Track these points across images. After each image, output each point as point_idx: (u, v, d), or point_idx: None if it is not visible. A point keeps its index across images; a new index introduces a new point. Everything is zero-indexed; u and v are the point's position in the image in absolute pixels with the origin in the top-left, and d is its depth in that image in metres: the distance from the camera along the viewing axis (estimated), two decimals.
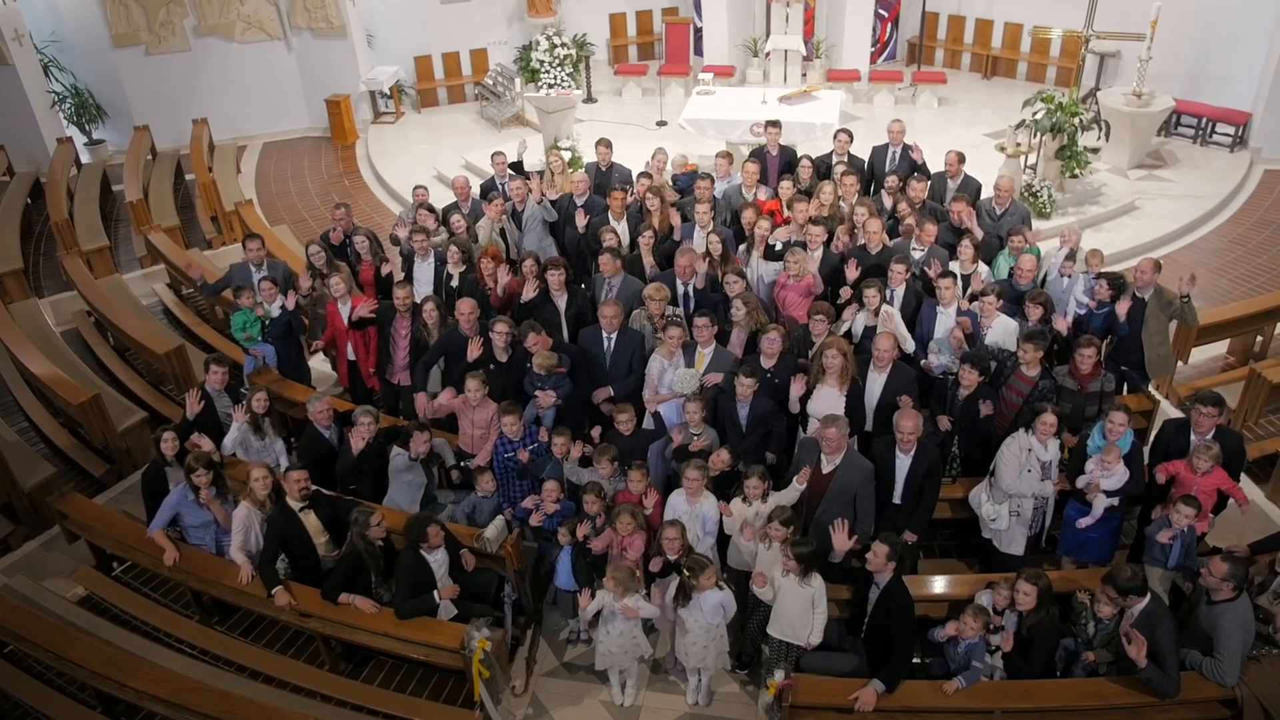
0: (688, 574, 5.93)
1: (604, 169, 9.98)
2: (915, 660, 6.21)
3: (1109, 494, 6.46)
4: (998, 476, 6.65)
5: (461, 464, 7.41)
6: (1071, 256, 8.14)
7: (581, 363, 7.54)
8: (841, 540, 6.11)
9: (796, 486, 6.36)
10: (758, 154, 10.15)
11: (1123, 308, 7.52)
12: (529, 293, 7.94)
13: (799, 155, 10.06)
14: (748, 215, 8.72)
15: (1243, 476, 6.86)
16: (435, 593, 6.28)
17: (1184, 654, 5.69)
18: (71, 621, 6.86)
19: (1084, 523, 6.56)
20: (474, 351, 7.40)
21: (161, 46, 15.44)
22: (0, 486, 8.02)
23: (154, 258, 11.96)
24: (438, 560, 6.40)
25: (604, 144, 10.11)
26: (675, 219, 9.02)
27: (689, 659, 6.22)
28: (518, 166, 9.89)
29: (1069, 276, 8.09)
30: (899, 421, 6.44)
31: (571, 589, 6.53)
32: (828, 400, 6.95)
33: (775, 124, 10.26)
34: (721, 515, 6.43)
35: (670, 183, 9.91)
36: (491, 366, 7.47)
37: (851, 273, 8.04)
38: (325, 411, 7.28)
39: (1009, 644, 5.73)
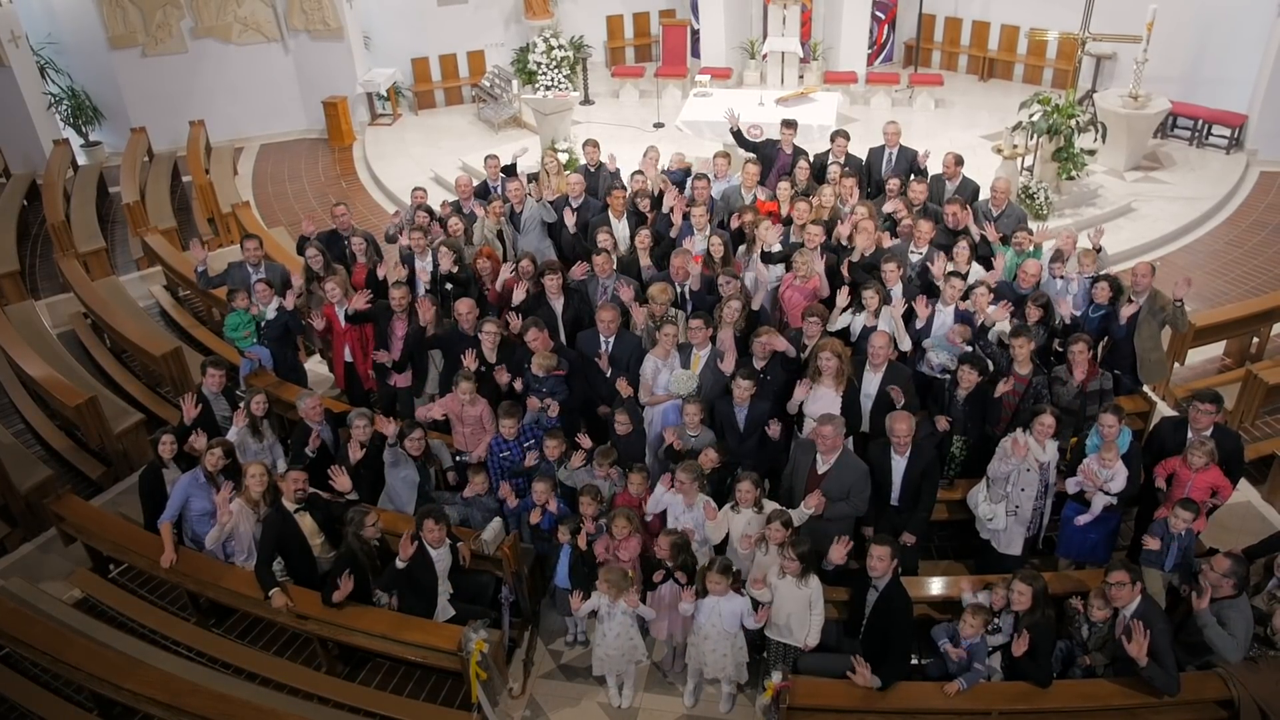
0: (709, 568, 5.94)
1: (593, 169, 9.99)
2: (914, 661, 6.21)
3: (1108, 493, 6.47)
4: (990, 464, 6.67)
5: (458, 457, 7.42)
6: (1059, 257, 8.17)
7: (579, 368, 7.54)
8: (839, 553, 6.11)
9: (805, 510, 6.36)
10: (766, 150, 10.15)
11: (1126, 312, 7.53)
12: (519, 295, 7.94)
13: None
14: (747, 217, 8.73)
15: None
16: (397, 560, 6.27)
17: (1205, 626, 5.68)
18: (68, 624, 6.84)
19: (1082, 520, 6.59)
20: (470, 363, 7.41)
21: (158, 48, 15.42)
22: None
23: (151, 260, 11.95)
24: (439, 556, 6.41)
25: (592, 144, 10.13)
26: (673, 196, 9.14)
27: (706, 667, 6.20)
28: (510, 169, 9.90)
29: (1062, 278, 8.12)
30: (893, 425, 6.45)
31: (570, 588, 6.53)
32: (824, 401, 6.96)
33: (791, 124, 10.27)
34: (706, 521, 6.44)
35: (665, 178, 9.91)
36: (482, 369, 7.49)
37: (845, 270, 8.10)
38: (316, 408, 7.28)
39: (1021, 649, 5.69)
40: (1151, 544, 6.20)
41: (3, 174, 14.80)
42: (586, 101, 16.44)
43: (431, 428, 7.45)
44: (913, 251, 8.39)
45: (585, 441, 6.94)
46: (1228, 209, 13.04)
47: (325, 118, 16.18)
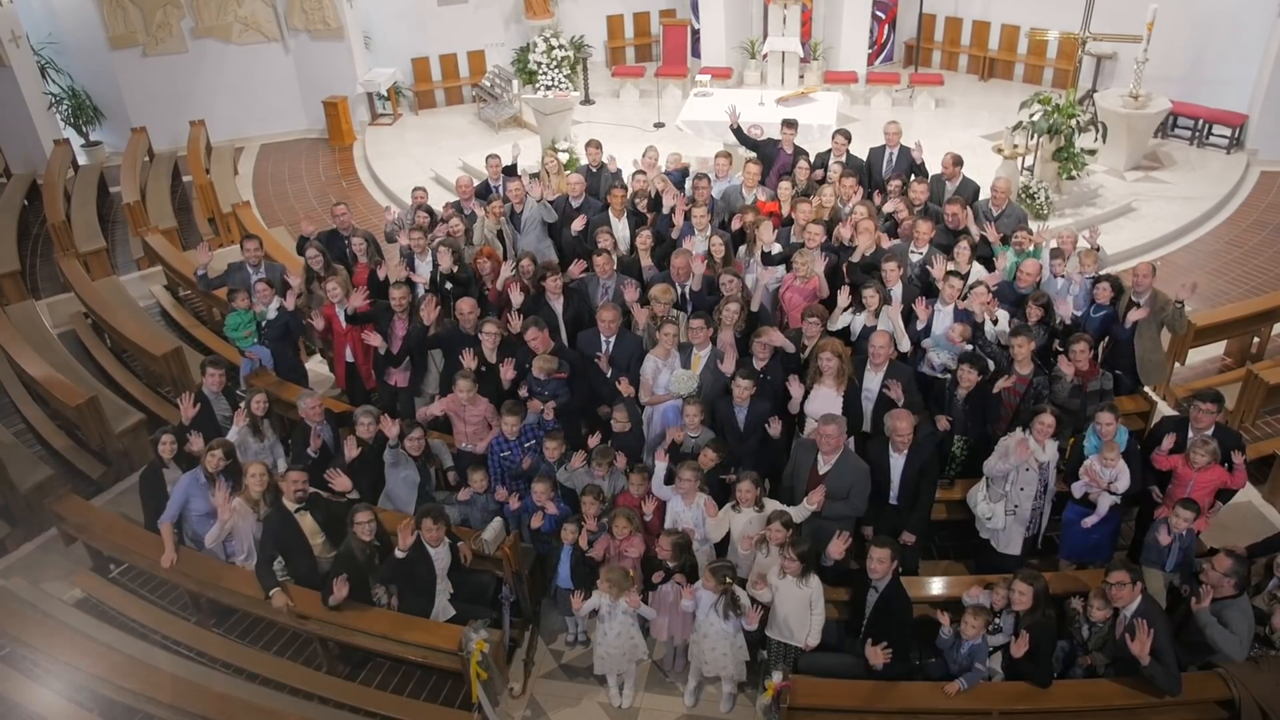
0: (729, 579, 5.93)
1: (594, 170, 9.99)
2: (915, 661, 6.21)
3: (1113, 493, 6.48)
4: (987, 461, 6.68)
5: (463, 446, 7.42)
6: (1059, 255, 8.17)
7: (580, 369, 7.54)
8: (838, 547, 6.12)
9: (806, 507, 6.36)
10: (767, 149, 10.15)
11: (1134, 315, 7.54)
12: (518, 298, 7.94)
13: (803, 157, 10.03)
14: (748, 217, 8.73)
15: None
16: (396, 550, 6.30)
17: (1206, 626, 5.69)
18: (69, 624, 6.84)
19: (1089, 521, 6.58)
20: (469, 362, 7.42)
21: (159, 48, 15.42)
22: None
23: (151, 259, 11.95)
24: (438, 555, 6.43)
25: (594, 145, 10.12)
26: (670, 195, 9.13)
27: (706, 665, 6.21)
28: (511, 170, 9.91)
29: (1062, 277, 8.13)
30: (893, 423, 6.46)
31: (571, 588, 6.53)
32: (825, 401, 6.96)
33: (791, 124, 10.27)
34: (706, 520, 6.45)
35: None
36: (483, 368, 7.49)
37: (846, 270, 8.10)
38: (317, 407, 7.27)
39: (1020, 649, 5.70)
40: (1164, 539, 6.17)
41: (3, 174, 14.80)
42: (587, 101, 16.43)
43: (431, 427, 7.45)
44: (913, 251, 8.39)
45: (593, 440, 6.92)
46: (1228, 209, 13.03)
47: (325, 117, 16.16)
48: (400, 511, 7.09)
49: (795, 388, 6.99)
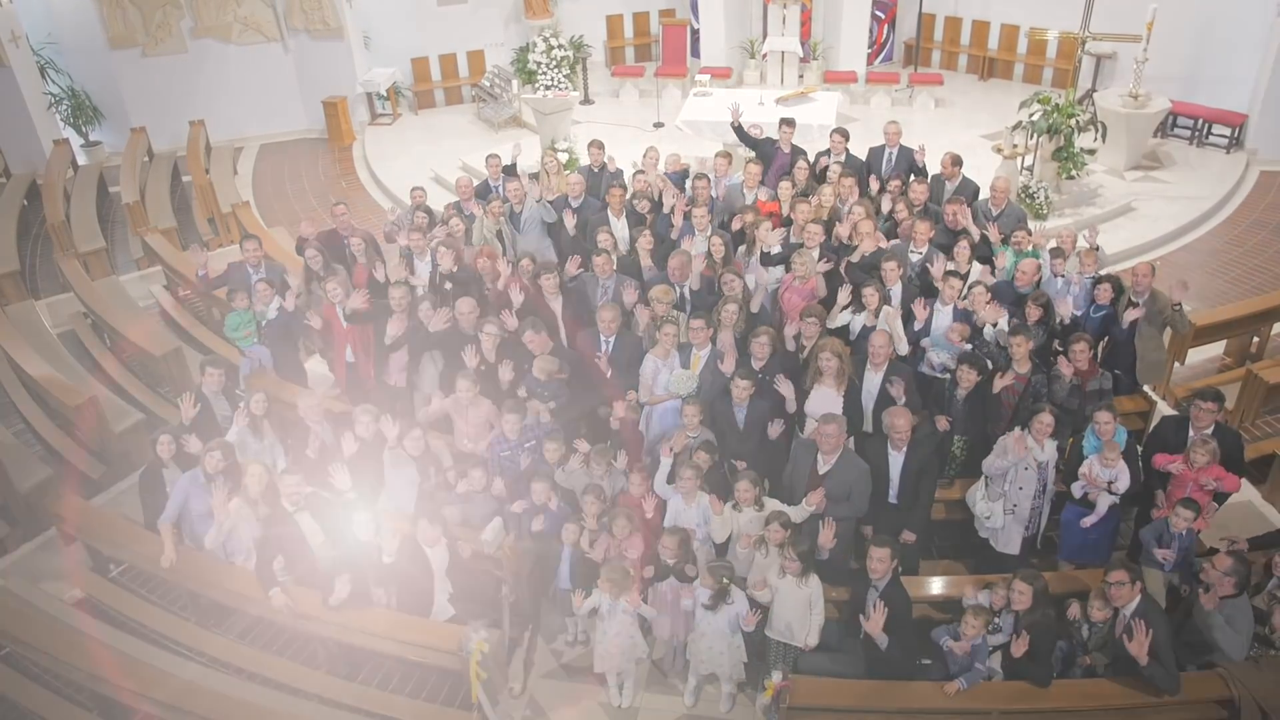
0: (725, 580, 5.93)
1: (596, 170, 9.99)
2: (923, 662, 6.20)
3: (1114, 494, 6.48)
4: (986, 460, 6.68)
5: (463, 445, 7.40)
6: (1059, 254, 8.18)
7: (580, 370, 7.53)
8: (826, 536, 6.15)
9: (806, 507, 6.36)
10: (766, 148, 10.14)
11: (1130, 314, 7.54)
12: (517, 299, 7.93)
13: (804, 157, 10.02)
14: (748, 218, 8.73)
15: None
16: (384, 555, 6.31)
17: (1212, 625, 5.69)
18: (69, 624, 6.84)
19: (1089, 521, 6.58)
20: (472, 360, 7.41)
21: (158, 48, 15.43)
22: None
23: (151, 259, 11.95)
24: (435, 555, 6.42)
25: (596, 145, 10.13)
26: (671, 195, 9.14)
27: (702, 664, 6.22)
28: (511, 170, 9.91)
29: (1061, 277, 8.13)
30: (891, 420, 6.47)
31: (571, 589, 6.52)
32: (825, 401, 6.96)
33: (790, 122, 10.26)
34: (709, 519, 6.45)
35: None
36: (482, 368, 7.48)
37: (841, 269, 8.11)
38: (316, 407, 7.27)
39: (1020, 650, 5.70)
40: (1165, 555, 6.17)
41: (3, 174, 14.79)
42: (586, 101, 16.43)
43: (431, 427, 7.44)
44: (912, 251, 8.39)
45: (582, 446, 6.91)
46: (1228, 208, 13.04)
47: (325, 117, 16.17)
48: (400, 511, 7.08)
49: (784, 388, 6.97)
